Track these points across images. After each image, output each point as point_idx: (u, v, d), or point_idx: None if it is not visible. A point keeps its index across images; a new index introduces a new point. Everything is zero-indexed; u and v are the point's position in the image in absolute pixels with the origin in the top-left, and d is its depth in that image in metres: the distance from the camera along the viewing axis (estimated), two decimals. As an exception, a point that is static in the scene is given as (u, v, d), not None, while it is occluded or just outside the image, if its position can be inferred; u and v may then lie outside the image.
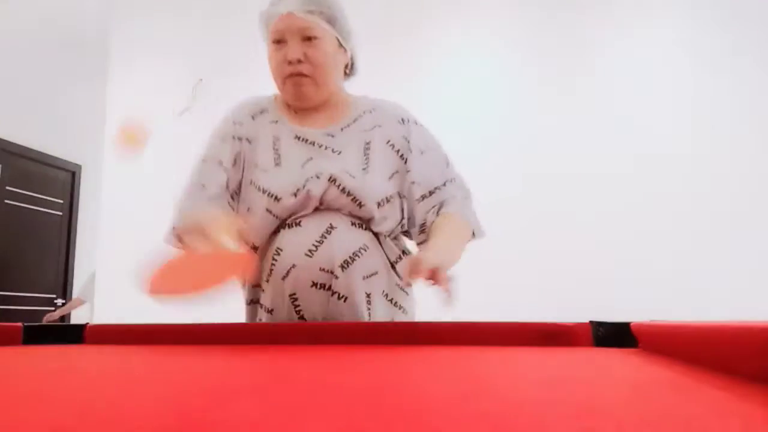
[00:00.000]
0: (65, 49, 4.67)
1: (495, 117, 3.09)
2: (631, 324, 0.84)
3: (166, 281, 0.86)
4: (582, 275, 2.78)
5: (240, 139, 1.23)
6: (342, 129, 1.23)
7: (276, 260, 1.13)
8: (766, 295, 2.53)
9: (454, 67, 3.19)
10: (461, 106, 3.12)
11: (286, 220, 1.14)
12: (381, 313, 1.15)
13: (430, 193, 1.23)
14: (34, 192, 5.04)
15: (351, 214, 1.15)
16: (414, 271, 0.95)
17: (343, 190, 1.13)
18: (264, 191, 1.16)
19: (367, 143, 1.21)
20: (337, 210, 1.14)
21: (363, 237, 1.14)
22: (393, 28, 3.26)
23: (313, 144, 1.20)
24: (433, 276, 0.95)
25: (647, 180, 2.85)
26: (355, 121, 1.24)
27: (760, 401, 0.36)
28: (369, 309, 1.13)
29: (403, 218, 1.22)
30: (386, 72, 3.07)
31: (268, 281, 1.14)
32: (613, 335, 0.86)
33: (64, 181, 5.33)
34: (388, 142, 1.23)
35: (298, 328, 1.03)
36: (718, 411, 0.35)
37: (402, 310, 1.20)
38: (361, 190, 1.14)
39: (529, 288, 2.78)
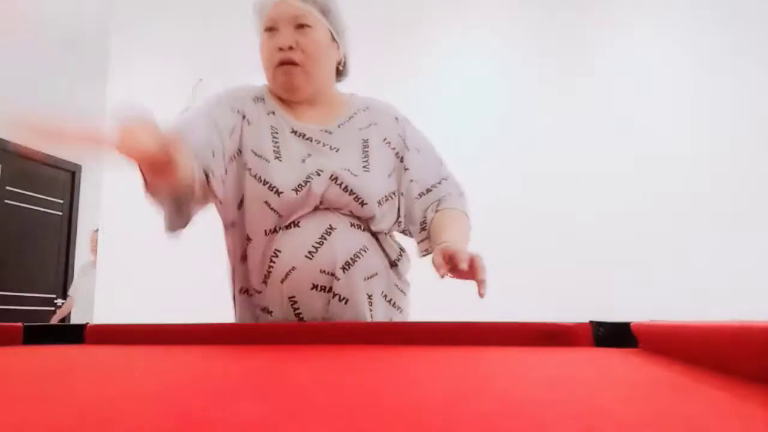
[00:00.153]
0: (65, 49, 4.67)
1: (495, 117, 3.08)
2: (631, 324, 0.83)
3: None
4: (582, 275, 2.78)
5: (241, 114, 1.17)
6: (339, 126, 1.21)
7: (274, 262, 1.10)
8: (766, 295, 2.53)
9: (454, 67, 3.19)
10: (461, 106, 3.12)
11: (283, 219, 1.11)
12: (380, 313, 1.15)
13: (428, 190, 1.23)
14: (34, 192, 5.05)
15: (350, 214, 1.13)
16: (456, 260, 0.94)
17: (345, 188, 1.12)
18: (264, 182, 1.11)
19: (365, 141, 1.20)
20: (336, 209, 1.12)
21: (362, 238, 1.13)
22: (393, 28, 3.26)
23: (311, 140, 1.18)
24: (472, 264, 0.95)
25: (647, 180, 2.85)
26: (350, 118, 1.23)
27: (760, 401, 0.36)
28: (371, 310, 1.13)
29: (399, 216, 1.22)
30: (386, 72, 3.07)
31: (265, 283, 1.12)
32: (613, 335, 0.86)
33: (64, 181, 5.33)
34: (385, 140, 1.23)
35: (298, 328, 1.03)
36: (718, 411, 0.35)
37: (399, 310, 1.20)
38: (363, 188, 1.13)
39: (529, 288, 2.78)
